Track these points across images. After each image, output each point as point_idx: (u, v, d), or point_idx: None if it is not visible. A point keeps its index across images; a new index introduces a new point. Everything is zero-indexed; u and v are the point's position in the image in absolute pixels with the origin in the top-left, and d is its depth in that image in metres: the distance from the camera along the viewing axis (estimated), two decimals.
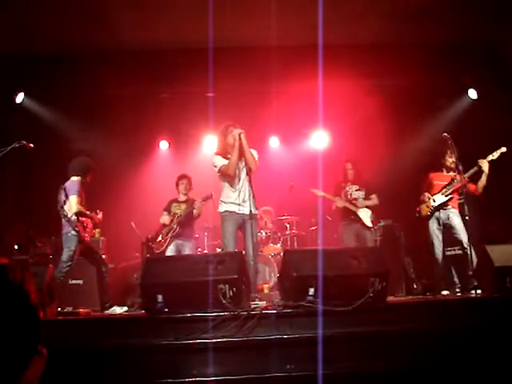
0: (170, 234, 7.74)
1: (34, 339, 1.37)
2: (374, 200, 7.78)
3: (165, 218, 7.87)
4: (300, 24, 8.02)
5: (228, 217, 6.20)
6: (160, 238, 7.80)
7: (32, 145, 6.29)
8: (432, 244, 7.14)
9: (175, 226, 7.74)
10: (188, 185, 7.98)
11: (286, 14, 7.74)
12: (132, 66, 8.56)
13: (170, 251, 7.71)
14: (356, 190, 7.79)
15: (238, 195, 6.19)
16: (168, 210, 7.95)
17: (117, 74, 8.50)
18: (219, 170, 6.28)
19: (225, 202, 6.27)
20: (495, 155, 6.84)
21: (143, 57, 8.61)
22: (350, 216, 7.69)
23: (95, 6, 7.44)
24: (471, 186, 7.00)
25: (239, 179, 6.24)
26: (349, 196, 7.76)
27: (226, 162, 6.22)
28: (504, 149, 6.87)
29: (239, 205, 6.17)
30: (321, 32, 8.01)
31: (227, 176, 6.23)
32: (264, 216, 8.72)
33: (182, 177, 8.04)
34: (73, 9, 7.49)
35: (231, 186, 6.25)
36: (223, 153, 6.33)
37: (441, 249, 7.10)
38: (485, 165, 6.81)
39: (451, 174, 7.15)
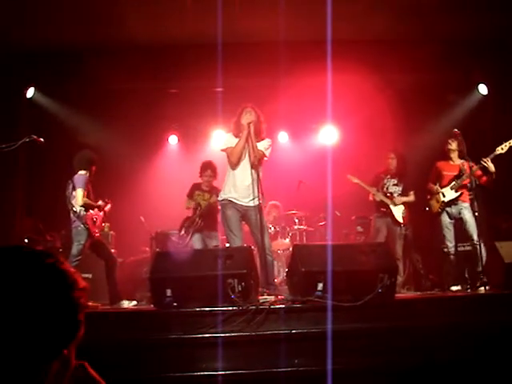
0: (191, 228, 7.65)
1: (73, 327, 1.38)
2: (411, 197, 7.64)
3: (190, 204, 7.72)
4: (308, 19, 7.99)
5: (229, 205, 6.04)
6: (183, 232, 7.70)
7: (42, 139, 6.32)
8: (444, 237, 7.09)
9: (197, 219, 7.57)
10: (212, 174, 7.73)
11: (295, 9, 7.70)
12: (141, 61, 8.56)
13: (197, 243, 7.56)
14: (394, 185, 7.67)
15: (241, 185, 6.03)
16: (191, 196, 7.76)
17: (126, 70, 8.50)
18: (224, 150, 6.18)
19: (226, 190, 6.11)
20: (504, 148, 6.76)
21: (152, 52, 8.60)
22: (383, 209, 7.62)
23: (104, 2, 7.43)
24: (482, 178, 6.94)
25: (244, 169, 6.08)
26: (385, 189, 7.67)
27: (233, 144, 6.11)
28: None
29: (241, 195, 6.01)
30: (329, 27, 7.98)
31: (230, 161, 6.10)
32: (272, 210, 8.69)
33: (207, 165, 7.78)
34: (82, 5, 7.49)
35: (235, 175, 6.09)
36: (236, 133, 6.22)
37: (453, 243, 7.05)
38: (489, 164, 6.74)
39: (458, 162, 7.10)
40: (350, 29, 8.22)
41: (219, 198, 6.23)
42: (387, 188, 7.65)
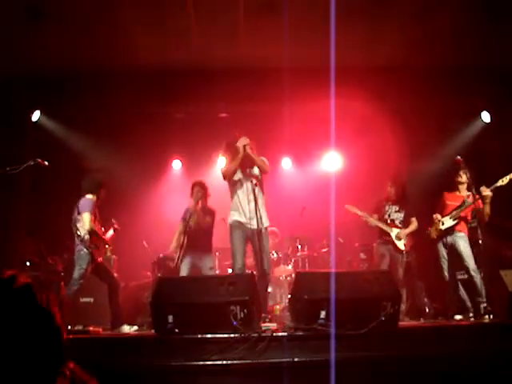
0: (180, 251, 7.53)
1: (58, 361, 1.36)
2: (413, 226, 7.63)
3: (180, 228, 7.66)
4: (312, 46, 8.06)
5: (235, 227, 6.17)
6: (175, 254, 7.64)
7: (46, 162, 6.35)
8: (441, 267, 7.11)
9: (182, 238, 7.38)
10: (200, 192, 7.60)
11: (299, 36, 7.78)
12: (146, 86, 8.62)
13: (185, 267, 7.44)
14: (395, 212, 7.67)
15: (245, 207, 6.14)
16: (184, 219, 7.70)
17: (131, 94, 8.57)
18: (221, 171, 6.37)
19: (232, 213, 6.25)
20: (505, 181, 6.77)
21: (158, 78, 8.66)
22: (385, 236, 7.60)
23: (111, 29, 7.52)
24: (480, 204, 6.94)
25: (246, 190, 6.17)
26: (386, 216, 7.66)
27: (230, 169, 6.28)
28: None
29: (246, 217, 6.12)
30: (333, 54, 8.06)
31: (228, 182, 6.26)
32: (269, 237, 8.65)
33: (195, 184, 7.72)
34: (89, 30, 7.58)
35: (238, 197, 6.22)
36: (231, 158, 6.37)
37: (449, 272, 7.06)
38: (487, 193, 6.76)
39: (464, 194, 7.12)
40: (353, 56, 8.28)
41: (228, 221, 6.30)
42: (389, 215, 7.65)
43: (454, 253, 7.03)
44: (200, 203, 7.63)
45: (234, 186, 6.30)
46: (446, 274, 7.06)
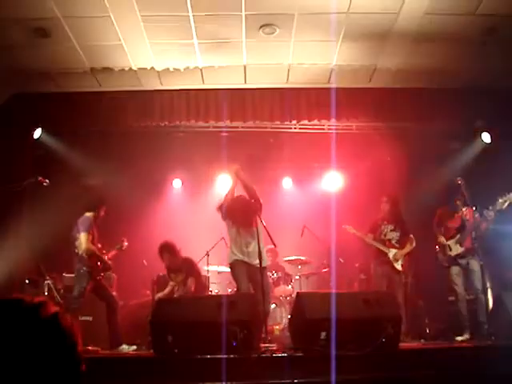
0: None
1: None
2: (410, 246, 7.60)
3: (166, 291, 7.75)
4: (314, 65, 8.11)
5: (238, 264, 6.18)
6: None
7: (47, 181, 6.36)
8: (453, 287, 7.06)
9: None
10: (172, 254, 7.59)
11: (300, 55, 7.83)
12: (147, 104, 8.67)
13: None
14: (391, 231, 7.65)
15: (244, 243, 6.16)
16: (166, 281, 7.91)
17: (132, 112, 8.62)
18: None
19: (232, 252, 6.25)
20: (504, 205, 6.78)
21: (158, 95, 8.72)
22: (382, 257, 7.58)
23: (112, 45, 7.56)
24: (483, 225, 6.94)
25: (243, 229, 6.22)
26: (383, 236, 7.64)
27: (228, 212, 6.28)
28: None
29: (249, 255, 6.15)
30: (334, 75, 8.13)
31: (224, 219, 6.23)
32: (268, 255, 8.63)
33: (162, 248, 7.68)
34: (90, 48, 7.61)
35: (237, 234, 6.22)
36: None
37: (463, 292, 7.01)
38: (489, 214, 6.77)
39: (461, 210, 7.11)
40: (354, 77, 8.33)
41: (229, 260, 6.27)
42: (385, 234, 7.64)
43: (466, 273, 7.01)
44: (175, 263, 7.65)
45: (233, 221, 6.28)
46: (460, 293, 7.00)
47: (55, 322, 1.31)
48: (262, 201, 6.21)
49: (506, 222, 7.06)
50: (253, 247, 6.09)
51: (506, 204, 6.74)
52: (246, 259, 6.14)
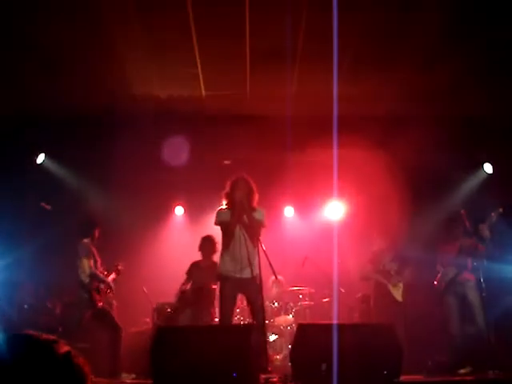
0: (183, 303, 7.63)
1: None
2: (408, 276, 7.60)
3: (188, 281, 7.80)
4: (316, 96, 8.17)
5: (225, 281, 5.98)
6: (176, 304, 7.70)
7: (49, 206, 6.39)
8: (448, 319, 7.00)
9: (190, 295, 7.63)
10: (211, 247, 7.83)
11: (303, 86, 7.91)
12: (150, 131, 8.71)
13: (185, 319, 7.54)
14: (390, 261, 7.65)
15: (238, 258, 5.94)
16: (189, 273, 7.92)
17: (134, 138, 8.65)
18: (218, 225, 6.18)
19: (222, 264, 6.07)
20: (494, 216, 6.77)
21: (161, 122, 8.77)
22: (381, 288, 7.55)
23: (114, 72, 7.64)
24: (480, 247, 6.92)
25: (238, 240, 6.00)
26: (381, 267, 7.64)
27: (226, 218, 6.07)
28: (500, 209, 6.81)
29: (238, 268, 5.93)
30: (336, 104, 8.17)
31: (225, 238, 6.10)
32: (274, 286, 8.61)
33: (205, 238, 7.94)
34: (91, 74, 7.68)
35: (231, 249, 6.01)
36: (229, 206, 6.19)
37: (459, 324, 6.95)
38: (484, 231, 6.77)
39: (460, 240, 7.11)
40: (356, 106, 8.39)
41: (218, 271, 6.15)
42: (384, 265, 7.64)
43: (464, 303, 6.96)
44: (209, 260, 7.81)
45: (227, 232, 6.12)
46: (453, 325, 6.95)
47: (68, 360, 1.31)
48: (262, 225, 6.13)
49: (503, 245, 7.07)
50: (246, 258, 5.95)
51: (496, 217, 6.75)
52: (235, 271, 5.95)
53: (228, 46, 6.94)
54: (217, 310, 8.10)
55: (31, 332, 1.37)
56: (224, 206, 6.26)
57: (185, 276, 7.96)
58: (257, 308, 5.79)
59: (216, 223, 6.19)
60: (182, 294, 7.75)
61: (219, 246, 7.50)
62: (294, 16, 6.29)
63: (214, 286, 7.65)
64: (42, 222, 8.42)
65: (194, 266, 8.00)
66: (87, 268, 6.47)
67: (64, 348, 1.33)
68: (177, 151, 8.44)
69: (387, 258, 7.65)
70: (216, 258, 7.62)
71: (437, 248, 7.38)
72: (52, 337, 1.36)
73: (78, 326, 6.39)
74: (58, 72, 7.43)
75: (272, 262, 6.03)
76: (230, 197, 6.21)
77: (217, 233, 6.71)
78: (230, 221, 6.03)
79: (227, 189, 6.28)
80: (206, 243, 7.93)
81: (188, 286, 7.86)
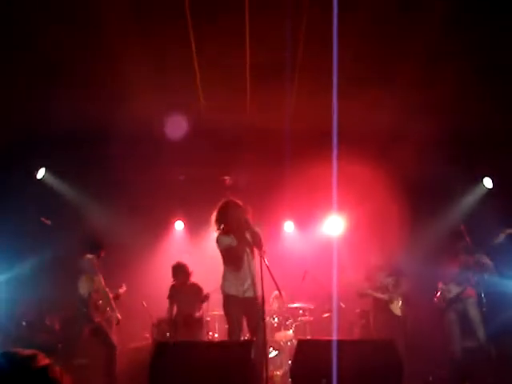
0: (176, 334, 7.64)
1: None
2: (404, 289, 7.59)
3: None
4: (315, 110, 8.19)
5: (230, 301, 5.95)
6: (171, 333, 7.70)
7: (49, 222, 6.39)
8: (449, 335, 6.99)
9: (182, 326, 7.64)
10: (185, 273, 7.97)
11: (301, 100, 7.92)
12: (151, 148, 8.72)
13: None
14: (386, 277, 7.65)
15: (242, 278, 5.94)
16: (170, 297, 8.01)
17: (135, 155, 8.67)
18: (223, 250, 6.06)
19: (227, 286, 6.02)
20: (501, 237, 6.78)
21: (162, 139, 8.78)
22: (380, 304, 7.55)
23: (117, 91, 7.66)
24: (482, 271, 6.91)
25: (246, 261, 5.97)
26: (378, 283, 7.64)
27: (229, 243, 6.00)
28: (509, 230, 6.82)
29: (242, 288, 5.93)
30: (335, 120, 8.18)
31: (234, 264, 5.99)
32: (274, 301, 8.59)
33: (176, 267, 8.04)
34: (94, 94, 7.71)
35: (233, 268, 5.99)
36: (227, 230, 6.10)
37: (459, 342, 6.93)
38: (485, 261, 6.79)
39: (461, 256, 7.11)
40: (356, 121, 8.40)
41: (222, 294, 6.09)
42: (381, 282, 7.65)
43: (464, 319, 6.95)
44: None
45: (233, 255, 6.04)
46: (454, 342, 6.93)
47: (44, 373, 1.35)
48: (265, 248, 6.02)
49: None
50: (251, 278, 5.93)
51: (503, 236, 6.76)
52: (238, 292, 5.94)
53: (228, 59, 6.96)
54: (210, 332, 8.16)
55: (11, 349, 1.43)
56: (219, 231, 6.18)
57: (167, 301, 8.02)
58: (258, 325, 5.74)
59: (221, 249, 6.09)
60: (174, 324, 7.75)
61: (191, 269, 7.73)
62: (293, 28, 6.31)
63: (197, 314, 7.76)
64: (42, 236, 8.42)
65: (173, 289, 8.04)
66: (92, 284, 6.47)
67: (42, 362, 1.38)
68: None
69: (383, 274, 7.67)
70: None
71: (437, 263, 7.37)
72: (30, 352, 1.41)
73: (76, 341, 6.37)
74: (58, 88, 7.44)
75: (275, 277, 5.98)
76: (225, 220, 6.13)
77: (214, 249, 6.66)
78: (237, 245, 5.95)
79: (219, 214, 6.21)
80: (179, 271, 7.99)
81: (174, 311, 7.91)
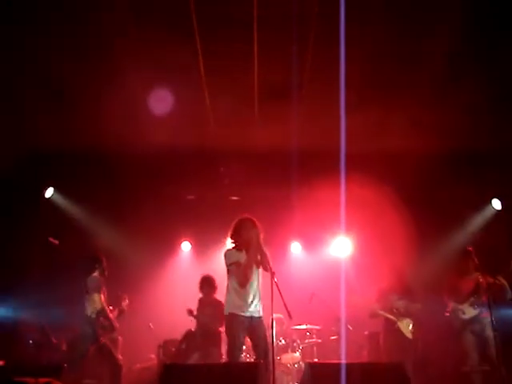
0: (191, 346, 7.65)
1: None
2: (417, 312, 7.52)
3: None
4: (322, 131, 8.20)
5: (234, 320, 5.76)
6: (183, 346, 7.68)
7: (57, 241, 6.40)
8: (467, 356, 6.88)
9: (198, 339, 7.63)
10: (210, 286, 7.94)
11: (310, 123, 7.96)
12: (159, 168, 8.75)
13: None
14: (397, 300, 7.60)
15: (248, 296, 5.79)
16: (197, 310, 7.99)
17: (144, 175, 8.70)
18: (231, 265, 5.92)
19: (232, 303, 5.87)
20: None
21: (170, 159, 8.82)
22: (390, 326, 7.49)
23: (126, 112, 7.71)
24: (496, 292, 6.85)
25: (254, 279, 5.85)
26: (389, 305, 7.58)
27: (239, 259, 5.90)
28: None
29: (247, 307, 5.77)
30: (343, 140, 8.20)
31: (240, 281, 5.83)
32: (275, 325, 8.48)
33: (205, 278, 8.05)
34: (101, 114, 7.76)
35: (240, 286, 5.83)
36: (240, 247, 5.98)
37: (476, 361, 6.83)
38: (501, 280, 6.74)
39: (474, 276, 7.04)
40: (364, 142, 8.41)
41: (225, 312, 5.94)
42: (392, 304, 7.59)
43: (480, 342, 6.86)
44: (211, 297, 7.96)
45: (240, 272, 5.88)
46: (474, 363, 6.83)
47: None
48: (273, 270, 5.95)
49: None
50: (250, 297, 5.86)
51: None
52: (244, 310, 5.77)
53: (236, 81, 7.02)
54: (223, 351, 8.07)
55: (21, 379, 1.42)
56: (231, 247, 6.16)
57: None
58: (266, 347, 5.67)
59: (228, 264, 6.05)
60: (189, 336, 7.71)
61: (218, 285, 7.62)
62: (300, 51, 6.37)
63: (220, 329, 7.64)
64: (50, 256, 8.43)
65: (199, 303, 8.04)
66: (98, 302, 6.46)
67: None
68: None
69: (395, 296, 7.59)
70: (217, 296, 7.79)
71: (447, 283, 7.31)
72: (45, 380, 1.40)
73: (81, 360, 6.33)
74: (70, 110, 7.53)
75: (277, 299, 5.91)
76: (239, 237, 6.09)
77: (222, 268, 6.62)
78: (245, 262, 5.92)
79: (234, 230, 6.16)
80: (205, 283, 7.99)
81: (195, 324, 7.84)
